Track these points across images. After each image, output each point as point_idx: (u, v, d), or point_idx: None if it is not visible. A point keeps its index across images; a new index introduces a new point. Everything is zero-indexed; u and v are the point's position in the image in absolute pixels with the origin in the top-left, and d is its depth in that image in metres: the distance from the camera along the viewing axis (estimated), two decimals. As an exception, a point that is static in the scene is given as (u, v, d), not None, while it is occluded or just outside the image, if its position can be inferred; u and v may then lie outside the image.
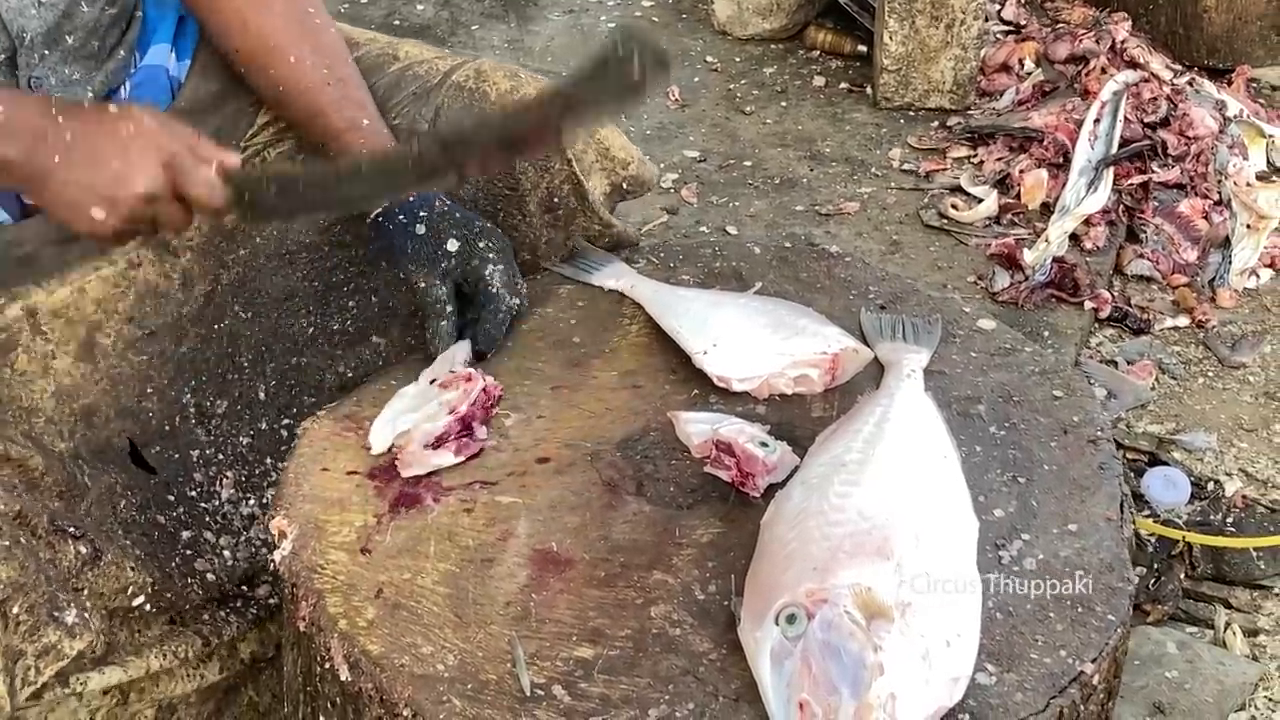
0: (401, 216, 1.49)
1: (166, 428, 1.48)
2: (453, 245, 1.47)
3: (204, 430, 1.52)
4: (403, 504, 1.29)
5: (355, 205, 1.46)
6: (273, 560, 1.26)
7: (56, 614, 1.24)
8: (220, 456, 1.52)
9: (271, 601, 1.48)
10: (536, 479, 1.31)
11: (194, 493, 1.49)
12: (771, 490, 1.26)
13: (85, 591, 1.29)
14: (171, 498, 1.47)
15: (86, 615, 1.27)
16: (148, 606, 1.37)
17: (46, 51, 1.44)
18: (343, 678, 1.14)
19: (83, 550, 1.30)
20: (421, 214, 1.48)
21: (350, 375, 1.60)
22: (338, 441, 1.37)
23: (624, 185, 1.72)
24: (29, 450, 1.33)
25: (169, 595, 1.39)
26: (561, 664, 1.11)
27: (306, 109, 1.52)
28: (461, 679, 1.10)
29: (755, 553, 1.18)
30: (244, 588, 1.50)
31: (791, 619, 1.05)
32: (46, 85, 1.44)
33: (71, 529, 1.30)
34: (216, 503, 1.50)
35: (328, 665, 1.15)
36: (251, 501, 1.51)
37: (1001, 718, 1.06)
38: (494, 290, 1.48)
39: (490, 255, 1.48)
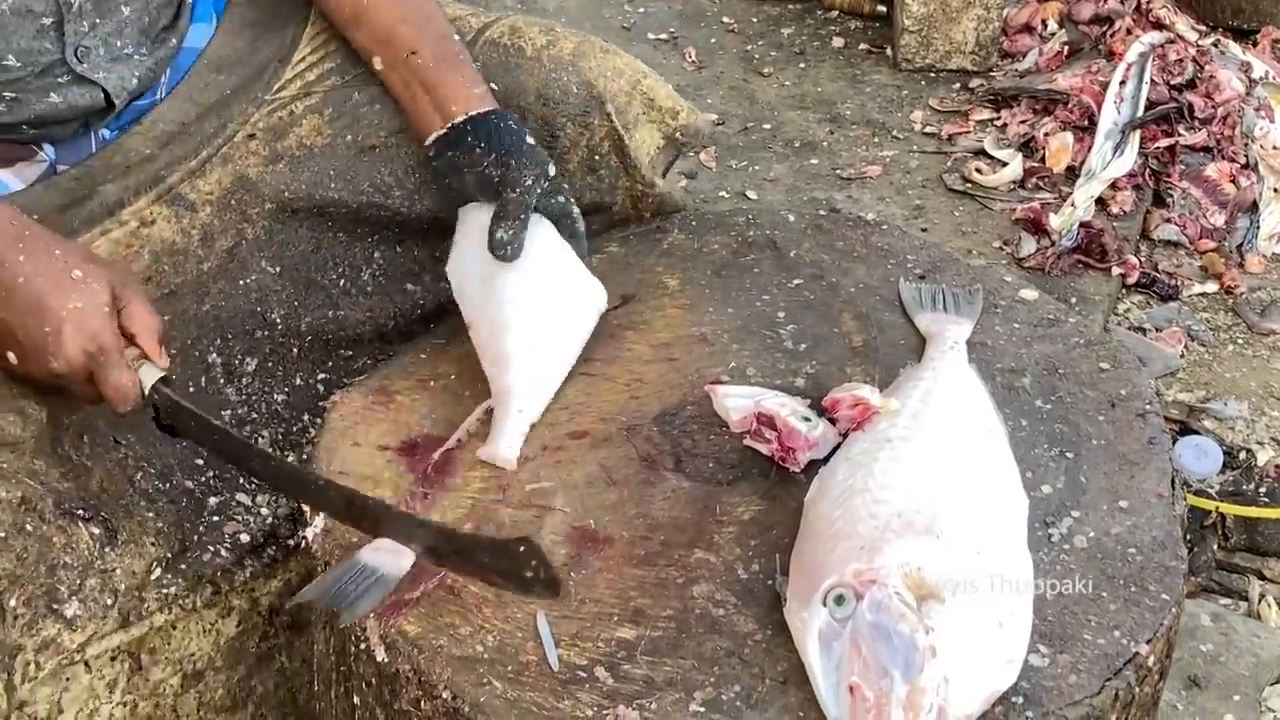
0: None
1: (191, 388, 1.43)
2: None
3: (234, 389, 1.48)
4: (435, 480, 1.26)
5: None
6: (304, 538, 1.24)
7: (56, 606, 1.21)
8: (255, 415, 1.49)
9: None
10: (572, 454, 1.29)
11: None
12: (812, 466, 1.23)
13: (117, 572, 1.26)
14: (200, 461, 1.42)
15: (97, 602, 1.24)
16: (166, 576, 1.33)
17: (98, 20, 1.40)
18: (379, 658, 1.11)
19: (95, 531, 1.26)
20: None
21: (390, 325, 1.57)
22: (369, 416, 1.34)
23: (677, 136, 1.66)
24: (21, 431, 1.27)
25: (183, 566, 1.35)
26: (603, 645, 1.08)
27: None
28: (501, 660, 1.07)
29: (799, 531, 1.15)
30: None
31: (840, 600, 1.03)
32: (95, 55, 1.40)
33: (80, 510, 1.26)
34: None
35: (362, 645, 1.13)
36: (290, 459, 1.46)
37: (1056, 701, 1.03)
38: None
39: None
